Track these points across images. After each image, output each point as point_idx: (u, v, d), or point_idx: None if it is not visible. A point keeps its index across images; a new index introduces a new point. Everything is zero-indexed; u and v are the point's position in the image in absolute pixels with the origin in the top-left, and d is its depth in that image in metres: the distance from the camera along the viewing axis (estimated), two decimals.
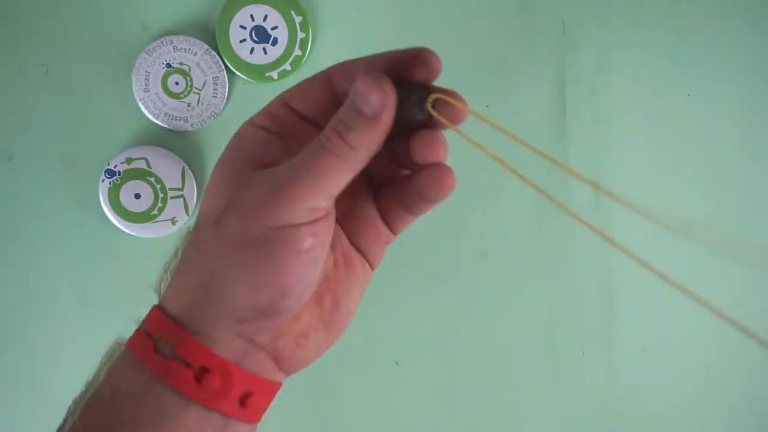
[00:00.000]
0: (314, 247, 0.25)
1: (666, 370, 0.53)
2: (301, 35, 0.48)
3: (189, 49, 0.48)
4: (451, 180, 0.28)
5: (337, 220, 0.28)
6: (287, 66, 0.48)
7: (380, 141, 0.25)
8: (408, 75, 0.27)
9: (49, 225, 0.48)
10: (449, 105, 0.27)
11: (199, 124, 0.48)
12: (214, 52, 0.48)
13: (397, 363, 0.51)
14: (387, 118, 0.25)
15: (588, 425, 0.53)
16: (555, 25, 0.51)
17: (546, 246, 0.52)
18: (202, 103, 0.48)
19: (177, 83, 0.48)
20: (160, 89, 0.48)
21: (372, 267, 0.30)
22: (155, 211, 0.48)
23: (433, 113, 0.27)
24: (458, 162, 0.51)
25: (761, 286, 0.54)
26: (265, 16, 0.48)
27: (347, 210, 0.29)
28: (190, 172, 0.48)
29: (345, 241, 0.29)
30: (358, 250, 0.29)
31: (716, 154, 0.53)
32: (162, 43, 0.47)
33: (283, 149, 0.27)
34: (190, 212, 0.48)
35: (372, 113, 0.25)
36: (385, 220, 0.30)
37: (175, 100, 0.48)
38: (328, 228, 0.25)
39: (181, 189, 0.48)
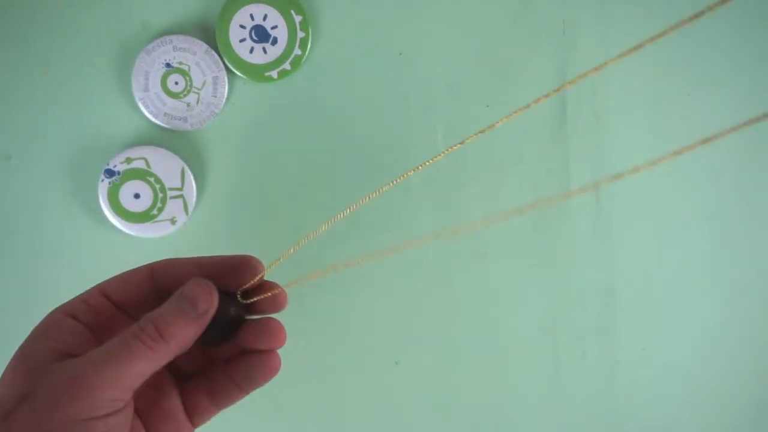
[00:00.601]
0: None
1: (666, 370, 0.53)
2: (301, 34, 0.48)
3: (188, 49, 0.47)
4: (278, 362, 0.30)
5: (138, 413, 0.28)
6: (287, 65, 0.48)
7: (192, 340, 0.26)
8: (235, 277, 0.29)
9: (48, 225, 0.48)
10: (272, 296, 0.29)
11: (198, 123, 0.48)
12: (213, 52, 0.48)
13: (397, 363, 0.51)
14: (206, 320, 0.27)
15: (588, 425, 0.53)
16: (555, 25, 0.51)
17: (546, 246, 0.52)
18: (202, 103, 0.48)
19: (176, 83, 0.48)
20: (160, 89, 0.48)
21: None
22: (155, 211, 0.48)
23: (249, 305, 0.29)
24: (458, 161, 0.51)
25: (762, 282, 0.54)
26: (265, 16, 0.48)
27: (149, 403, 0.28)
28: (190, 172, 0.48)
29: (139, 429, 0.28)
30: None
31: (717, 153, 0.53)
32: (161, 42, 0.47)
33: (93, 341, 0.27)
34: (190, 212, 0.48)
35: (195, 315, 0.26)
36: (189, 413, 0.30)
37: (175, 100, 0.48)
38: (124, 422, 0.25)
39: (181, 189, 0.48)
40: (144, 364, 0.25)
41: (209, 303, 0.26)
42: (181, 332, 0.26)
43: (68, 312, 0.27)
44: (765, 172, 0.53)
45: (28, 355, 0.26)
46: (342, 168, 0.50)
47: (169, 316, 0.26)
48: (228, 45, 0.48)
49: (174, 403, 0.29)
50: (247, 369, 0.29)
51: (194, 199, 0.48)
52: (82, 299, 0.28)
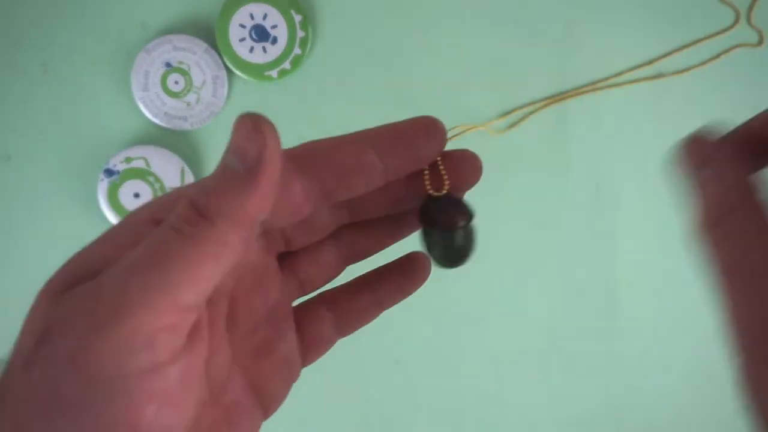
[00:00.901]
0: (157, 417, 0.16)
1: (666, 370, 0.53)
2: (300, 34, 0.48)
3: (188, 48, 0.47)
4: (429, 262, 0.23)
5: (235, 346, 0.19)
6: (287, 65, 0.48)
7: (260, 214, 0.17)
8: (414, 148, 0.21)
9: (48, 225, 0.48)
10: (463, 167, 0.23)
11: (198, 123, 0.48)
12: (213, 51, 0.48)
13: (397, 362, 0.51)
14: (267, 178, 0.16)
15: (588, 425, 0.52)
16: (556, 25, 0.51)
17: (546, 245, 0.52)
18: (202, 103, 0.48)
19: (176, 82, 0.48)
20: (160, 88, 0.48)
21: (267, 415, 0.21)
22: None
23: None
24: None
25: None
26: (265, 15, 0.48)
27: (253, 349, 0.19)
28: (189, 172, 0.48)
29: (237, 382, 0.19)
30: (257, 393, 0.20)
31: None
32: (161, 42, 0.47)
33: None
34: None
35: (245, 170, 0.16)
36: (304, 350, 0.21)
37: (175, 100, 0.48)
38: (188, 375, 0.16)
39: None
40: (188, 269, 0.16)
41: (260, 143, 0.16)
42: (231, 203, 0.16)
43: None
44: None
45: (76, 269, 0.17)
46: None
47: (210, 182, 0.17)
48: (228, 44, 0.48)
49: (289, 344, 0.20)
50: (400, 272, 0.23)
51: None
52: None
